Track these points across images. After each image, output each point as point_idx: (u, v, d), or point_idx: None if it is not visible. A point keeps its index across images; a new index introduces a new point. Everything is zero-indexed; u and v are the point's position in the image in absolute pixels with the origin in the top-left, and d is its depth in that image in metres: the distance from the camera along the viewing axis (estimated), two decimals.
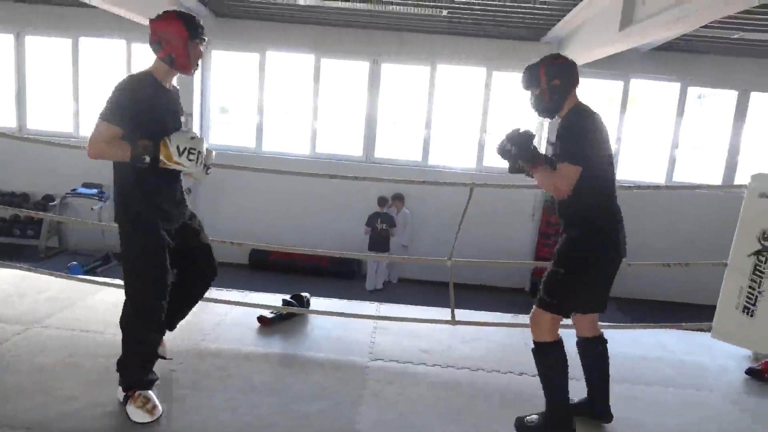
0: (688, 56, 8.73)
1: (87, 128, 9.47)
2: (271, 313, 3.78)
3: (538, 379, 2.67)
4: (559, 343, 2.60)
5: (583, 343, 2.79)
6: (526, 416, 2.72)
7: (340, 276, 9.05)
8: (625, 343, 3.83)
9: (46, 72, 9.60)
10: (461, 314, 3.83)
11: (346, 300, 4.43)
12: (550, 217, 8.90)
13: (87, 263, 8.05)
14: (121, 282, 2.85)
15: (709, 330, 3.59)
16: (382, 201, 8.85)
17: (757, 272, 3.31)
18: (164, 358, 2.87)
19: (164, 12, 2.53)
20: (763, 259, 3.29)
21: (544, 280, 2.63)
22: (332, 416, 2.72)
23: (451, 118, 9.44)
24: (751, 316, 3.34)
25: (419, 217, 9.14)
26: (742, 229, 3.39)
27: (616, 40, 6.42)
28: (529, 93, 2.67)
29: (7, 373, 2.87)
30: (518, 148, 2.52)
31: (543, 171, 2.53)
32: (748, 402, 3.22)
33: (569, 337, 2.74)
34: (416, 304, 4.45)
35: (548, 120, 3.17)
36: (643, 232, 7.92)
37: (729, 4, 4.41)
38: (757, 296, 3.31)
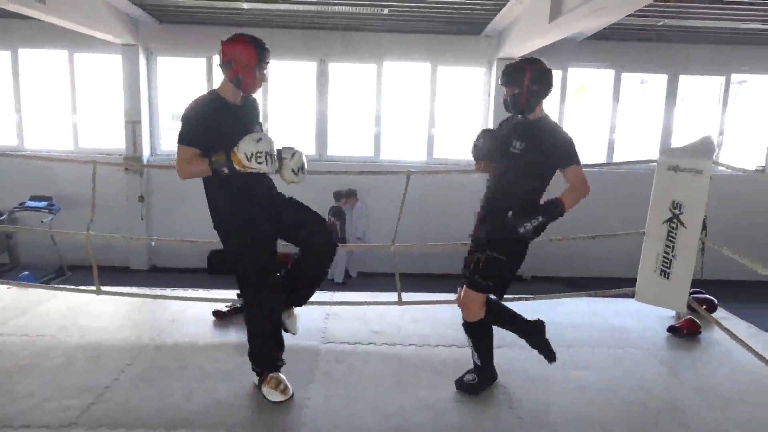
0: (620, 44, 9.18)
1: (31, 140, 9.34)
2: (226, 306, 3.92)
3: (464, 350, 3.08)
4: (487, 317, 2.91)
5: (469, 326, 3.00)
6: (462, 376, 3.00)
7: None
8: (561, 312, 4.12)
9: None
10: (408, 297, 4.05)
11: None
12: None
13: (41, 276, 7.95)
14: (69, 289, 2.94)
15: (633, 295, 3.92)
16: (336, 195, 9.01)
17: (670, 238, 3.64)
18: (293, 332, 3.04)
19: (236, 35, 2.70)
20: (675, 225, 3.62)
21: (480, 266, 2.86)
22: None
23: (400, 113, 9.67)
24: (667, 278, 3.67)
25: (374, 212, 9.33)
26: (655, 199, 3.72)
27: (547, 32, 6.75)
28: (505, 89, 2.87)
29: None
30: (530, 222, 2.76)
31: (569, 204, 2.79)
32: (667, 355, 3.55)
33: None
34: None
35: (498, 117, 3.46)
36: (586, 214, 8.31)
37: None
38: (671, 260, 3.64)
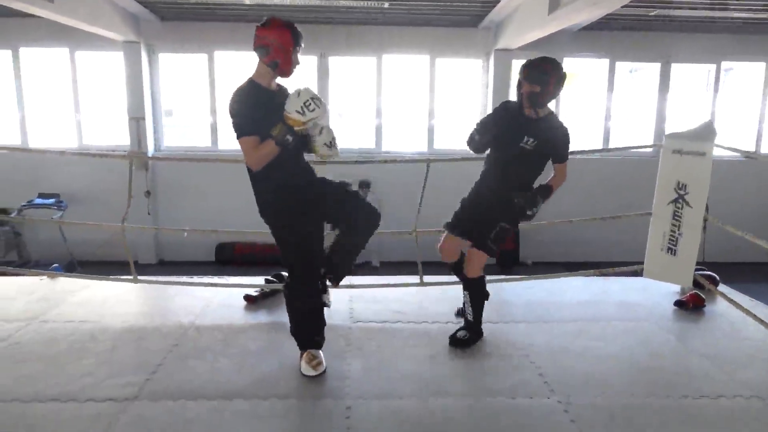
0: (614, 34, 9.42)
1: (35, 138, 9.41)
2: (255, 291, 4.11)
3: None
4: (484, 276, 3.43)
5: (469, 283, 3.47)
6: (455, 333, 3.42)
7: None
8: (573, 290, 4.36)
9: None
10: (429, 279, 4.27)
11: None
12: None
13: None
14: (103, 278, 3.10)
15: (641, 272, 4.16)
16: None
17: (676, 217, 3.88)
18: (328, 306, 3.27)
19: (271, 19, 2.75)
20: (680, 205, 3.86)
21: (495, 234, 3.28)
22: (326, 368, 3.09)
23: (401, 105, 9.85)
24: (674, 255, 3.91)
25: (384, 203, 9.46)
26: (661, 181, 3.95)
27: (545, 23, 6.96)
28: (525, 83, 3.13)
29: (21, 363, 3.12)
30: (537, 206, 3.20)
31: (555, 189, 3.27)
32: (675, 327, 3.80)
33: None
34: None
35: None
36: (590, 197, 8.57)
37: None
38: (677, 237, 3.88)
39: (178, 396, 2.74)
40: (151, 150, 9.30)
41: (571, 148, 3.34)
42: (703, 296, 4.11)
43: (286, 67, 2.76)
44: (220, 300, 4.10)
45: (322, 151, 2.84)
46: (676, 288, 4.31)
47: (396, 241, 8.60)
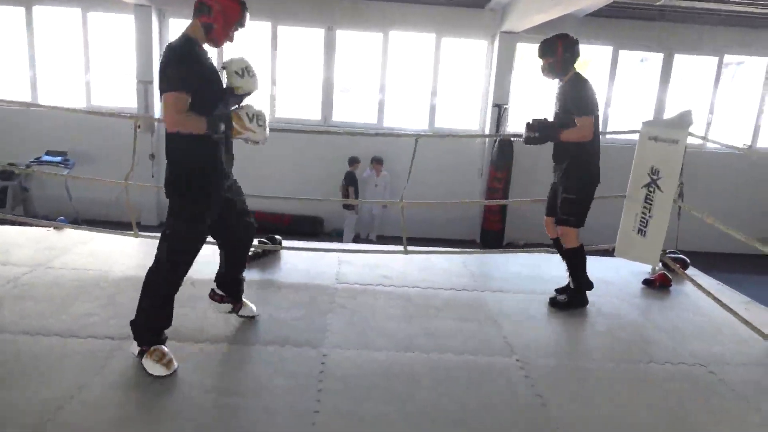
0: (618, 22, 9.49)
1: (45, 96, 9.62)
2: (249, 252, 4.35)
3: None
4: (582, 246, 3.74)
5: (566, 254, 3.82)
6: (555, 296, 3.85)
7: (304, 235, 9.58)
8: (551, 266, 4.59)
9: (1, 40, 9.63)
10: (413, 249, 4.51)
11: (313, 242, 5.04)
12: (497, 173, 9.63)
13: None
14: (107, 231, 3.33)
15: (613, 251, 4.39)
16: (351, 161, 9.33)
17: (647, 200, 4.09)
18: (254, 315, 3.31)
19: None
20: (653, 189, 4.06)
21: (561, 208, 3.67)
22: (307, 321, 3.36)
23: (404, 82, 9.99)
24: (644, 236, 4.13)
25: (396, 177, 9.63)
26: (636, 166, 4.16)
27: (551, 7, 7.08)
28: (542, 60, 3.59)
29: (28, 301, 3.38)
30: (541, 132, 3.58)
31: (567, 132, 3.52)
32: (641, 302, 4.04)
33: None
34: None
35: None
36: None
37: None
38: (648, 219, 4.10)
39: (171, 338, 2.99)
40: (157, 114, 9.50)
41: None
42: (671, 277, 4.35)
43: (218, 36, 2.62)
44: (216, 258, 4.34)
45: (249, 125, 2.67)
46: (647, 268, 4.54)
47: (395, 216, 8.85)
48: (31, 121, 9.34)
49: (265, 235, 4.58)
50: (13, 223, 4.89)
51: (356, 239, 9.55)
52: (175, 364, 2.71)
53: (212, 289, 3.28)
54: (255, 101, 2.85)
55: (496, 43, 9.35)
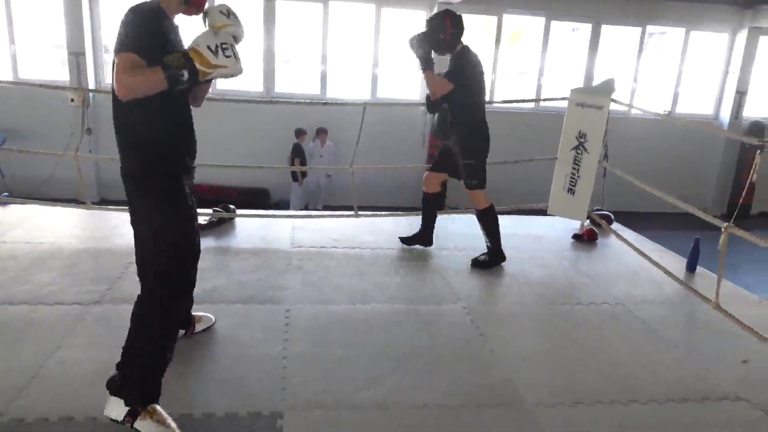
0: None
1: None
2: (204, 219, 4.48)
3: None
4: (492, 206, 3.96)
5: (480, 214, 4.00)
6: (477, 257, 4.04)
7: (251, 207, 9.64)
8: None
9: None
10: (363, 213, 4.76)
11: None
12: (436, 141, 9.95)
13: None
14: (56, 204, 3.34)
15: (546, 209, 4.79)
16: (297, 132, 9.39)
17: (576, 162, 4.49)
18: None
19: None
20: (581, 151, 4.46)
21: (465, 175, 3.87)
22: (268, 281, 3.56)
23: (346, 53, 10.08)
24: (573, 194, 4.54)
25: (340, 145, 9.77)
26: (565, 131, 4.54)
27: None
28: (430, 35, 3.64)
29: None
30: (418, 47, 3.63)
31: (429, 74, 3.65)
32: (570, 254, 4.47)
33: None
34: None
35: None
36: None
37: None
38: (577, 179, 4.51)
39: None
40: (91, 86, 9.22)
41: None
42: (597, 231, 4.80)
43: (199, 2, 2.24)
44: None
45: (216, 61, 2.01)
46: (577, 224, 4.98)
47: (341, 186, 9.06)
48: None
49: (220, 204, 4.71)
50: None
51: (304, 210, 9.71)
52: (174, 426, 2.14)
53: None
54: None
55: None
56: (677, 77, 10.77)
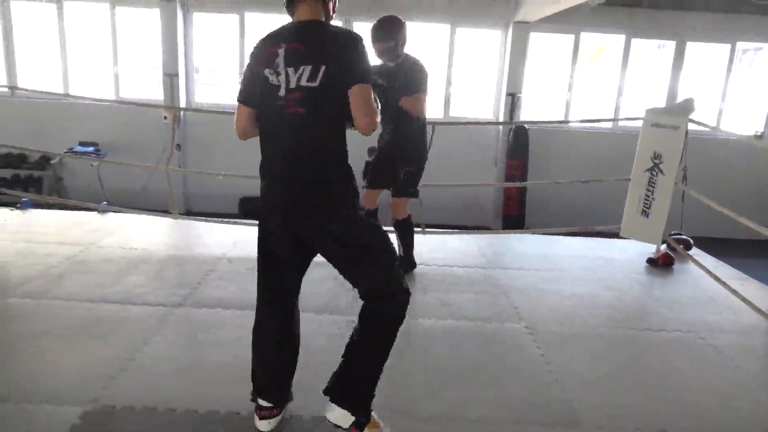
0: (631, 10, 9.65)
1: (76, 88, 10.04)
2: None
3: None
4: (410, 216, 3.99)
5: (401, 223, 3.98)
6: None
7: None
8: (558, 247, 4.90)
9: (33, 34, 10.07)
10: (430, 230, 4.85)
11: None
12: (512, 161, 9.85)
13: None
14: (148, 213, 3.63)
15: (618, 231, 4.68)
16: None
17: (651, 183, 4.37)
18: None
19: None
20: (655, 173, 4.34)
21: (404, 182, 3.79)
22: (337, 294, 3.69)
23: None
24: (647, 217, 4.41)
25: None
26: (640, 151, 4.43)
27: None
28: (379, 43, 3.62)
29: (86, 275, 3.78)
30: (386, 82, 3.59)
31: (406, 99, 3.63)
32: (643, 279, 4.35)
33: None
34: None
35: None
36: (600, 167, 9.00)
37: None
38: (651, 201, 4.38)
39: (215, 305, 3.38)
40: (183, 105, 9.88)
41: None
42: (673, 256, 4.62)
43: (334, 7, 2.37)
44: (247, 238, 4.71)
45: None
46: (652, 248, 4.82)
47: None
48: (63, 113, 9.79)
49: None
50: (64, 205, 5.31)
51: None
52: (270, 423, 2.30)
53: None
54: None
55: (510, 33, 9.56)
56: None
